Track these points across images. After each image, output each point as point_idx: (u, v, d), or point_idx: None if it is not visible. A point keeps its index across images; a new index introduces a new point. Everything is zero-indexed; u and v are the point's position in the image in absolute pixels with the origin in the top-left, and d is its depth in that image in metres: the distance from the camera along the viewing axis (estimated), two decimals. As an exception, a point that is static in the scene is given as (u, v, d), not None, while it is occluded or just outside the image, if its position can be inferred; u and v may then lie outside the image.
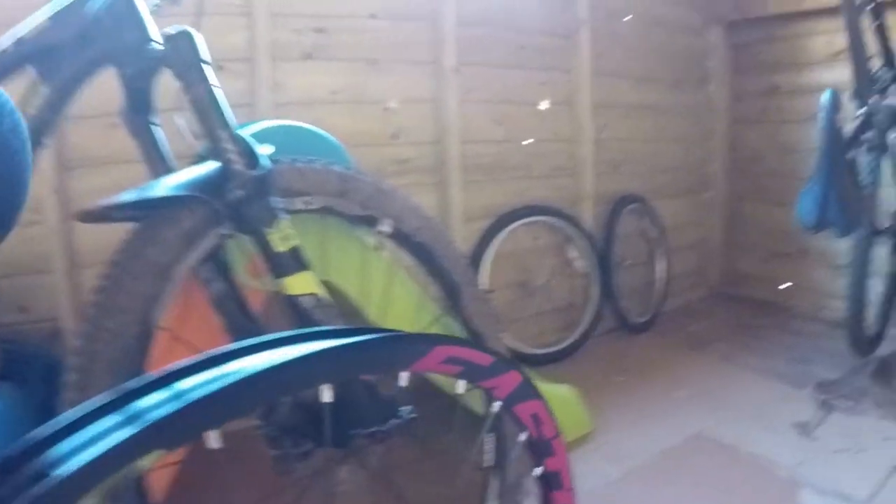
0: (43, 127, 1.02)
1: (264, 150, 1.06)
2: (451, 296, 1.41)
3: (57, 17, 1.01)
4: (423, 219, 1.35)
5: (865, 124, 2.05)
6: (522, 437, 0.87)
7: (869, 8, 2.12)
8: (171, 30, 1.01)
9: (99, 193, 0.98)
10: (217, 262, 1.11)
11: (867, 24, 2.11)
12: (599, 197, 2.69)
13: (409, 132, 2.14)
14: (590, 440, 1.86)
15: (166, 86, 1.08)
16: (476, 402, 1.30)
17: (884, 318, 2.40)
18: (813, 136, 2.66)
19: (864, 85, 2.04)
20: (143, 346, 0.97)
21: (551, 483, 0.91)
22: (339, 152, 1.44)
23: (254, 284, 1.17)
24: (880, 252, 2.30)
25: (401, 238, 1.33)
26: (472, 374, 0.77)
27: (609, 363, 2.46)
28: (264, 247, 1.02)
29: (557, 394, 1.80)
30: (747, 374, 2.31)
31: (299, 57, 1.91)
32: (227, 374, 0.57)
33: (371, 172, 1.33)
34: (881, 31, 2.18)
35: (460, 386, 0.76)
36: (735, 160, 3.26)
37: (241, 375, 0.56)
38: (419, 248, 1.35)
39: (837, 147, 1.85)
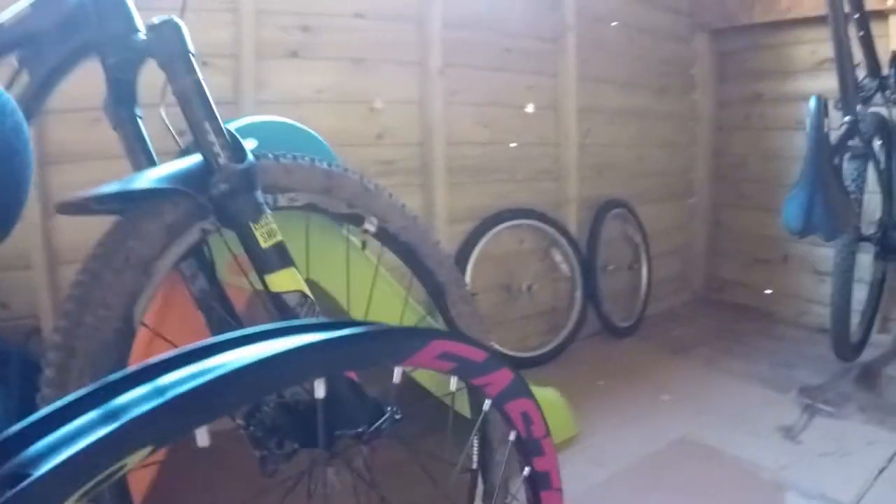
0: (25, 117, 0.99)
1: (248, 145, 1.04)
2: (437, 296, 1.39)
3: (38, 4, 0.98)
4: (409, 218, 1.33)
5: (851, 132, 2.07)
6: (512, 436, 0.85)
7: (855, 17, 2.15)
8: (157, 20, 0.99)
9: (79, 189, 0.95)
10: (200, 258, 1.09)
11: (853, 33, 2.13)
12: (584, 201, 2.69)
13: (394, 133, 2.13)
14: (574, 444, 1.85)
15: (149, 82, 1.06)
16: (463, 404, 1.28)
17: (867, 324, 2.42)
18: (795, 144, 2.70)
19: (850, 93, 2.07)
20: (123, 342, 0.94)
21: (540, 483, 0.90)
22: (323, 149, 1.42)
23: (236, 282, 1.14)
24: (864, 259, 2.32)
25: (386, 237, 1.31)
26: (465, 370, 0.75)
27: (593, 367, 2.46)
28: (249, 242, 0.99)
29: (542, 397, 1.75)
30: (730, 379, 2.32)
31: (285, 55, 1.89)
32: (216, 367, 0.53)
33: (356, 170, 1.31)
34: (866, 41, 2.21)
35: (453, 383, 0.74)
36: (719, 166, 3.29)
37: (232, 367, 0.53)
38: (404, 247, 1.33)
39: (824, 152, 1.86)
